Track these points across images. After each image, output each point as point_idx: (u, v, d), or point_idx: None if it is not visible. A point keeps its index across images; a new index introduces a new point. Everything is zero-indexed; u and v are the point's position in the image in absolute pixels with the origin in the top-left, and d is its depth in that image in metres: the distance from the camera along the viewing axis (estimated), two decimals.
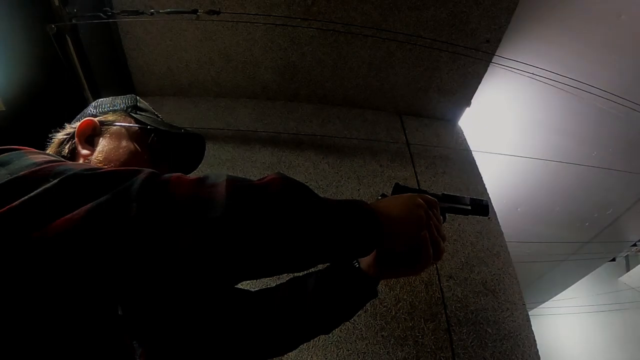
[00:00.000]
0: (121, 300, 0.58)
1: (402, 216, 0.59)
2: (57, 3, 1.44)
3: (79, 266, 0.38)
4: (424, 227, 0.62)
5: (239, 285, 0.61)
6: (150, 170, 0.45)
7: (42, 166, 0.44)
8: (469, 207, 0.74)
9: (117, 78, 1.98)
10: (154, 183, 0.42)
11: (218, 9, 1.68)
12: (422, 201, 0.63)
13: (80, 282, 0.39)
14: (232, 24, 1.80)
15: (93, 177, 0.42)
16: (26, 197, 0.38)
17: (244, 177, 0.48)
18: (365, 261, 0.71)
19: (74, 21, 1.50)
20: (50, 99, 1.53)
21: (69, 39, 1.50)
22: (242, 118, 2.06)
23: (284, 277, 0.69)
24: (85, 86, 1.64)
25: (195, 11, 1.65)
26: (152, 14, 1.65)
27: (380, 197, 0.66)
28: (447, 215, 0.71)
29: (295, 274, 0.73)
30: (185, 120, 2.00)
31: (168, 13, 1.67)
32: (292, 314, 0.71)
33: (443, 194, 0.71)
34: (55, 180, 0.40)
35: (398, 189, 0.69)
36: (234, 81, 2.08)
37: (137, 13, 1.64)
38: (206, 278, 0.43)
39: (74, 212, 0.38)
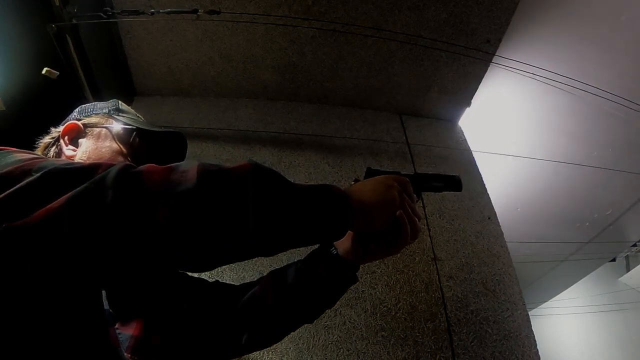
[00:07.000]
0: (106, 288, 0.59)
1: (375, 198, 0.60)
2: (57, 3, 1.44)
3: (61, 251, 0.40)
4: (398, 207, 0.62)
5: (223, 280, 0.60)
6: (126, 162, 0.48)
7: (26, 162, 0.46)
8: (442, 184, 0.75)
9: (118, 78, 1.98)
10: (128, 172, 0.45)
11: (218, 9, 1.68)
12: (394, 182, 0.64)
13: (63, 266, 0.41)
14: (232, 24, 1.80)
15: (72, 170, 0.45)
16: (11, 189, 0.41)
17: (216, 163, 0.50)
18: (343, 247, 0.70)
19: (74, 21, 1.50)
20: (50, 99, 1.53)
21: (69, 39, 1.50)
22: (243, 118, 2.06)
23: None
24: (86, 86, 1.64)
25: (195, 11, 1.66)
26: (152, 13, 1.65)
27: (353, 182, 0.65)
28: (422, 194, 0.72)
29: (276, 267, 0.76)
30: (185, 120, 2.00)
31: (168, 13, 1.67)
32: (274, 305, 0.72)
33: (416, 173, 0.71)
34: (38, 174, 0.43)
35: (370, 172, 0.69)
36: (234, 81, 2.08)
37: (137, 13, 1.65)
38: (181, 257, 0.45)
39: (55, 202, 0.40)
